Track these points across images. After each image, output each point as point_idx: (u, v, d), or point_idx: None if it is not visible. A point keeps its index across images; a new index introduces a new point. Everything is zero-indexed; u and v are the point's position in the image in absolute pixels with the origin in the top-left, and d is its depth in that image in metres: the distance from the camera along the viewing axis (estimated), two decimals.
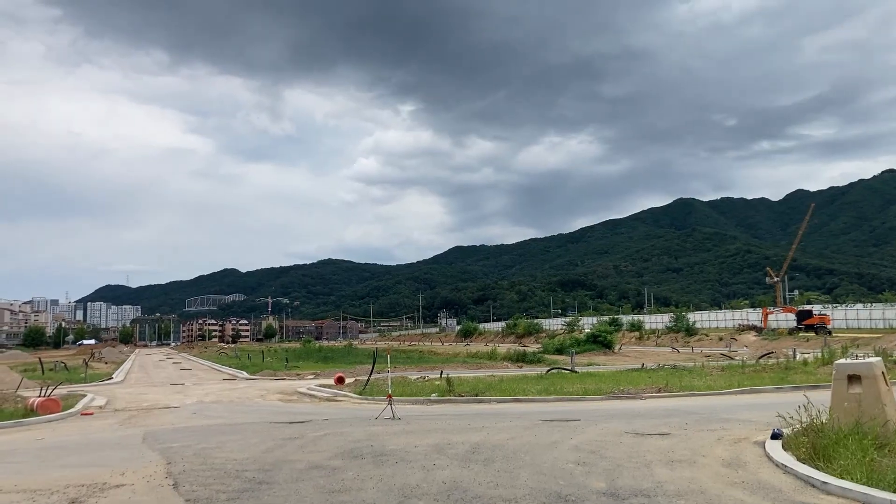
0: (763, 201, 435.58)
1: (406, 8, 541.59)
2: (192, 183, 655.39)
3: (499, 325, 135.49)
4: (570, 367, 35.16)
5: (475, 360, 49.04)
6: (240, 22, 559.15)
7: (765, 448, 10.99)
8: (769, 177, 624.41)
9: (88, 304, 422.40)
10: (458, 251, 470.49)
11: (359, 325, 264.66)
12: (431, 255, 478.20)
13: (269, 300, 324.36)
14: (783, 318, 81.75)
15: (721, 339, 75.22)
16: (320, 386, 29.74)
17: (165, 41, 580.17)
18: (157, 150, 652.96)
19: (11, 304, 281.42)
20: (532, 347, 68.32)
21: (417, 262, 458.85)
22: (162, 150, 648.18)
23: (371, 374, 28.56)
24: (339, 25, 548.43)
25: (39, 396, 22.76)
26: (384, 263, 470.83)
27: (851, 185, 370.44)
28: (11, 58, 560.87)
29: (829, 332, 65.92)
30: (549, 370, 34.29)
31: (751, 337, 72.61)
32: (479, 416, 17.64)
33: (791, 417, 11.21)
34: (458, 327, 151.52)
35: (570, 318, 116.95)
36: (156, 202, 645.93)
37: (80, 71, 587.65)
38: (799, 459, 9.85)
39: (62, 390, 27.55)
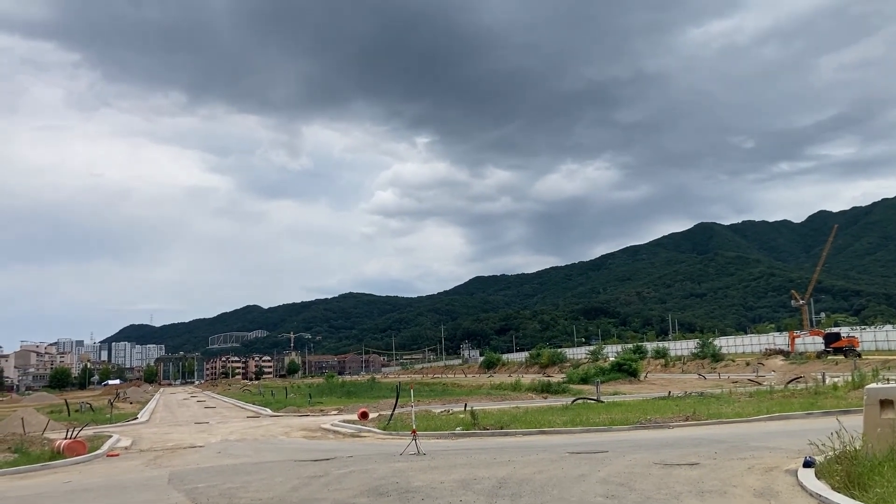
0: (785, 223, 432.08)
1: (417, 40, 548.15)
2: (213, 221, 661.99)
3: (522, 356, 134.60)
4: (595, 397, 34.80)
5: (499, 392, 48.67)
6: (254, 60, 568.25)
7: (797, 477, 10.77)
8: (790, 198, 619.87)
9: (113, 344, 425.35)
10: (478, 281, 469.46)
11: (381, 358, 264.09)
12: (452, 286, 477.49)
13: (292, 336, 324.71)
14: (810, 342, 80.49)
15: (748, 364, 74.19)
16: (344, 421, 29.60)
17: (183, 82, 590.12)
18: (179, 189, 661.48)
19: (38, 347, 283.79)
20: (556, 377, 67.75)
21: (438, 293, 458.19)
22: (183, 190, 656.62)
23: (395, 408, 28.40)
24: (351, 61, 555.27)
25: (66, 438, 22.83)
26: (405, 295, 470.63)
27: (874, 204, 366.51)
28: (34, 103, 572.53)
29: (859, 355, 64.76)
30: (574, 400, 33.97)
31: (778, 361, 71.56)
32: (505, 450, 17.47)
33: (823, 444, 11.00)
34: (481, 358, 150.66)
35: (594, 347, 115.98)
36: (178, 241, 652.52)
37: (100, 114, 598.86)
38: (833, 488, 9.63)
39: (88, 431, 27.64)
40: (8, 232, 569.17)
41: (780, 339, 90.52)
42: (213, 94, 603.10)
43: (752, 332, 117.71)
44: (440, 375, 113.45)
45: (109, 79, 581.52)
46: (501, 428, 23.16)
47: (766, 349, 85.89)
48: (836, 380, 35.10)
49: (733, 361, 79.54)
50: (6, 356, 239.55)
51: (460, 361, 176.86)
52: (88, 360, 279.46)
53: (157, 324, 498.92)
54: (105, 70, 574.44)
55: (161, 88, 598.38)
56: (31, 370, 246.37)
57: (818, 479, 10.29)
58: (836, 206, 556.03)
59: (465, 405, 31.63)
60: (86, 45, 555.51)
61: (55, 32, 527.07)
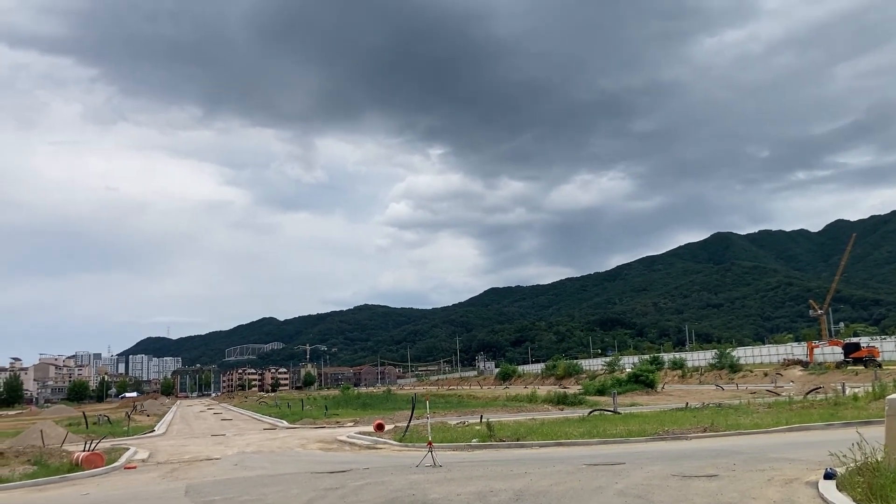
0: (802, 233, 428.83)
1: (430, 51, 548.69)
2: (229, 234, 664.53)
3: (538, 367, 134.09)
4: (612, 409, 34.60)
5: (515, 404, 48.50)
6: (267, 73, 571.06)
7: (818, 489, 10.65)
8: (807, 207, 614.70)
9: (130, 356, 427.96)
10: (493, 293, 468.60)
11: (396, 370, 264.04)
12: (467, 298, 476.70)
13: (307, 348, 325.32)
14: (829, 352, 79.69)
15: (766, 374, 73.57)
16: (360, 433, 29.59)
17: (198, 96, 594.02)
18: (195, 202, 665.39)
19: (56, 360, 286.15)
20: (572, 389, 67.41)
21: (453, 304, 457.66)
22: (199, 203, 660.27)
23: (410, 420, 28.38)
24: (363, 72, 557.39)
25: (84, 451, 22.96)
26: (420, 307, 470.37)
27: (893, 212, 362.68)
28: (52, 118, 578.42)
29: (879, 365, 64.02)
30: (591, 412, 33.79)
31: (797, 372, 70.92)
32: (522, 462, 17.39)
33: (844, 456, 10.87)
34: (497, 370, 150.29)
35: (611, 358, 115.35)
36: (195, 254, 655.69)
37: (117, 128, 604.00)
38: (855, 500, 9.51)
39: (106, 444, 27.78)
40: (27, 246, 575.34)
41: (798, 350, 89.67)
42: (228, 107, 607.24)
43: (770, 343, 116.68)
44: (456, 387, 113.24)
45: (126, 93, 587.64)
46: (518, 440, 23.06)
47: (785, 360, 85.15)
48: (856, 390, 34.72)
49: (751, 372, 78.90)
50: (25, 369, 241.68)
51: (476, 373, 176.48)
52: (106, 373, 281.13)
53: (174, 336, 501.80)
54: (122, 84, 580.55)
55: (177, 102, 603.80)
56: (50, 383, 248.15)
57: (839, 491, 10.16)
58: (854, 215, 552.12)
59: (481, 417, 31.53)
60: (103, 61, 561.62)
61: (73, 48, 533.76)
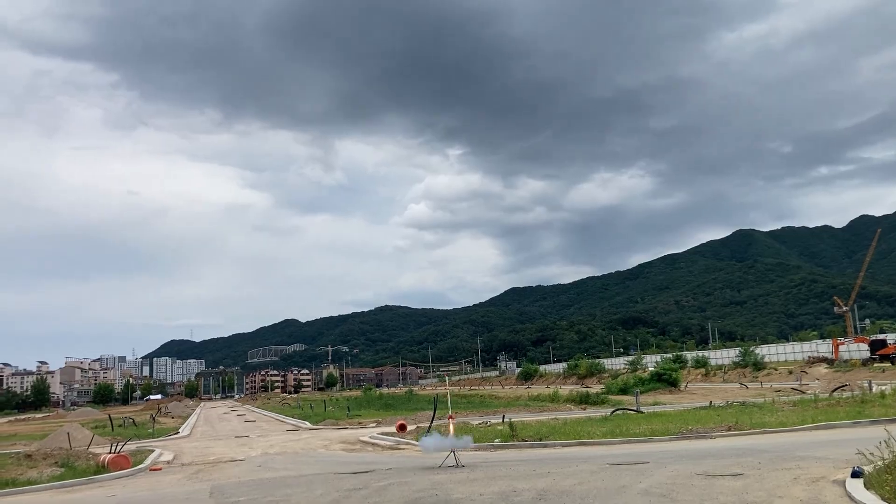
0: (826, 229, 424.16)
1: (446, 52, 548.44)
2: (251, 236, 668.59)
3: (559, 367, 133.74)
4: (635, 408, 34.43)
5: (537, 404, 48.37)
6: (286, 76, 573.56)
7: (845, 487, 10.53)
8: (831, 203, 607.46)
9: (154, 359, 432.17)
10: (514, 293, 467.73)
11: (418, 370, 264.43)
12: (488, 298, 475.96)
13: (329, 349, 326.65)
14: (855, 349, 78.80)
15: (790, 372, 72.85)
16: (382, 434, 29.66)
17: (218, 100, 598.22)
18: (216, 206, 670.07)
19: (81, 363, 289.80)
20: (595, 388, 67.11)
21: (474, 304, 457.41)
22: (220, 206, 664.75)
23: (433, 420, 28.41)
24: (381, 74, 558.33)
25: (109, 453, 23.23)
26: (441, 308, 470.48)
27: None
28: (74, 124, 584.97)
29: None
30: (613, 411, 33.63)
31: (822, 369, 70.15)
32: (544, 461, 17.34)
33: (871, 454, 10.74)
34: (518, 370, 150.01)
35: (633, 357, 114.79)
36: (217, 257, 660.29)
37: (137, 133, 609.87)
38: (884, 499, 9.39)
39: (131, 446, 28.06)
40: (51, 250, 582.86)
41: (823, 347, 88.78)
42: (248, 110, 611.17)
43: (794, 340, 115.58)
44: (477, 387, 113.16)
45: (146, 98, 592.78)
46: (540, 440, 23.01)
47: (810, 357, 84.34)
48: (883, 388, 34.30)
49: (775, 370, 78.18)
50: (52, 372, 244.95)
51: (497, 373, 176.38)
52: (131, 376, 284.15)
53: (198, 339, 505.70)
54: (142, 89, 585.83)
55: (196, 106, 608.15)
56: (76, 386, 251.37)
57: (867, 489, 10.05)
58: (878, 210, 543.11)
59: (504, 417, 31.49)
60: (123, 66, 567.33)
61: (94, 54, 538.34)
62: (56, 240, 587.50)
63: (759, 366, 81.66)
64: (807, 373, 69.33)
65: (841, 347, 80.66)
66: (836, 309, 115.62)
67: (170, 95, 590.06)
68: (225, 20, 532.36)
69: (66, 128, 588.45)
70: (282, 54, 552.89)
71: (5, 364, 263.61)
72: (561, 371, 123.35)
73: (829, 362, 75.25)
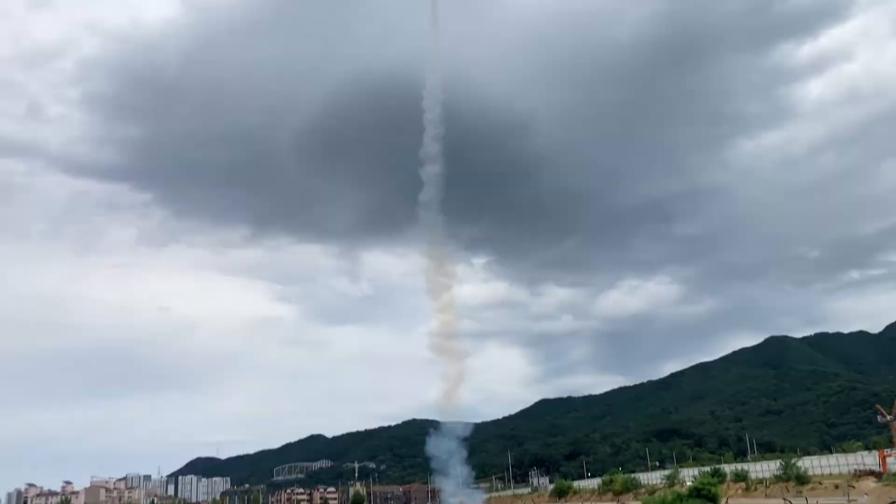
0: (862, 334, 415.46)
1: (469, 166, 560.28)
2: (280, 350, 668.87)
3: (594, 482, 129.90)
4: None
5: None
6: (313, 192, 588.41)
7: None
8: (865, 307, 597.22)
9: (179, 477, 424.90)
10: (544, 404, 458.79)
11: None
12: (518, 410, 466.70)
13: (356, 465, 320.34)
14: None
15: (837, 486, 70.11)
16: None
17: (247, 217, 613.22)
18: (245, 320, 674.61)
19: (107, 482, 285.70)
20: None
21: (503, 417, 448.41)
22: (250, 320, 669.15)
23: None
24: (407, 188, 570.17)
25: None
26: (469, 421, 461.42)
27: None
28: (108, 243, 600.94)
29: None
30: None
31: (870, 483, 67.42)
32: None
33: None
34: (551, 486, 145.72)
35: (670, 471, 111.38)
36: (244, 371, 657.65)
37: (169, 249, 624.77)
38: None
39: None
40: (84, 369, 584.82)
41: (869, 459, 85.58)
42: (277, 226, 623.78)
43: (838, 451, 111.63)
44: None
45: (179, 215, 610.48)
46: None
47: (856, 470, 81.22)
48: None
49: (820, 484, 75.26)
50: (77, 493, 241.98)
51: (529, 490, 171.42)
52: (155, 496, 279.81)
53: (223, 456, 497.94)
54: (175, 207, 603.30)
55: (228, 223, 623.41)
56: None
57: None
58: None
59: None
60: (157, 185, 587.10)
61: (128, 175, 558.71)
62: (87, 358, 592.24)
63: (802, 479, 78.75)
64: (854, 487, 66.73)
65: (889, 459, 77.80)
66: (879, 418, 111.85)
67: (201, 213, 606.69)
68: (256, 140, 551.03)
69: (101, 246, 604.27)
70: (310, 170, 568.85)
71: (30, 485, 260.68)
72: (595, 487, 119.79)
73: (878, 476, 72.36)
